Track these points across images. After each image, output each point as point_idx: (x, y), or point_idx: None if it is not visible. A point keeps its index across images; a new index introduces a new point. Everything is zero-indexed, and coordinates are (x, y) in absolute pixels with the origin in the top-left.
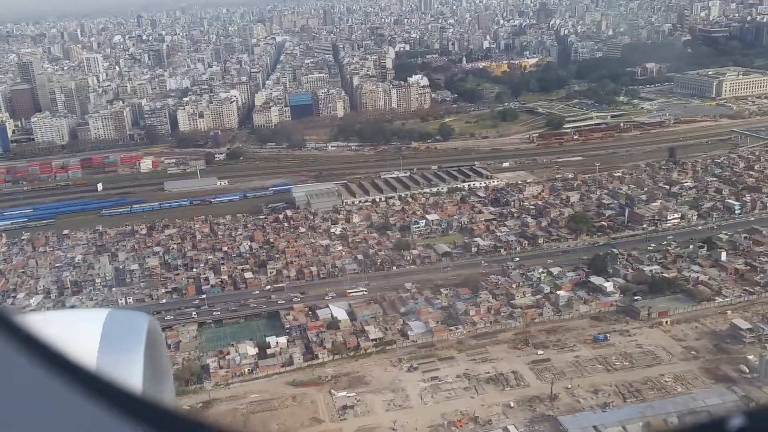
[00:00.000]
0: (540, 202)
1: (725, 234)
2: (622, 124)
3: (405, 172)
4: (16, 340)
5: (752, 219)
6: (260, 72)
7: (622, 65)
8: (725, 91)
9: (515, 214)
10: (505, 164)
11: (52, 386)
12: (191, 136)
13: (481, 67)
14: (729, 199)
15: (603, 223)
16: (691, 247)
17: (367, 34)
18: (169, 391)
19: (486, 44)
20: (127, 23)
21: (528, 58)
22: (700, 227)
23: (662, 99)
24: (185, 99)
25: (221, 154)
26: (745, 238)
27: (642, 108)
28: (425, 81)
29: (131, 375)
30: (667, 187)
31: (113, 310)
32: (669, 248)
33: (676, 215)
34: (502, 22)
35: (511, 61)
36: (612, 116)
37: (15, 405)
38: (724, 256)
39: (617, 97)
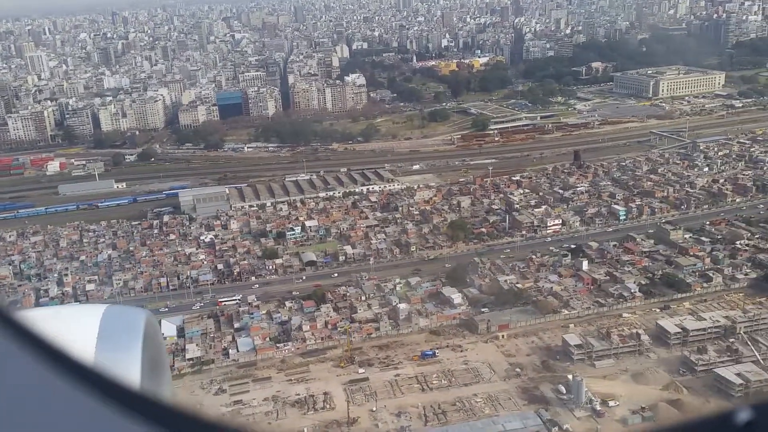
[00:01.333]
0: (428, 208)
1: (595, 242)
2: (546, 126)
3: (310, 175)
4: (14, 335)
5: (636, 225)
6: (200, 70)
7: (571, 64)
8: (662, 90)
9: (398, 220)
10: (415, 167)
11: (51, 381)
12: (111, 136)
13: (429, 66)
14: (617, 204)
15: (483, 230)
16: (556, 255)
17: (329, 32)
18: (167, 386)
19: (445, 42)
20: (103, 21)
21: (479, 57)
22: (582, 233)
23: (599, 99)
24: (108, 98)
25: (132, 155)
26: (615, 246)
27: (575, 109)
28: (362, 80)
29: (129, 370)
30: (561, 192)
31: (111, 305)
32: (533, 257)
33: (556, 221)
34: (468, 20)
35: (462, 61)
36: (542, 117)
37: (14, 401)
38: (585, 265)
39: (552, 97)
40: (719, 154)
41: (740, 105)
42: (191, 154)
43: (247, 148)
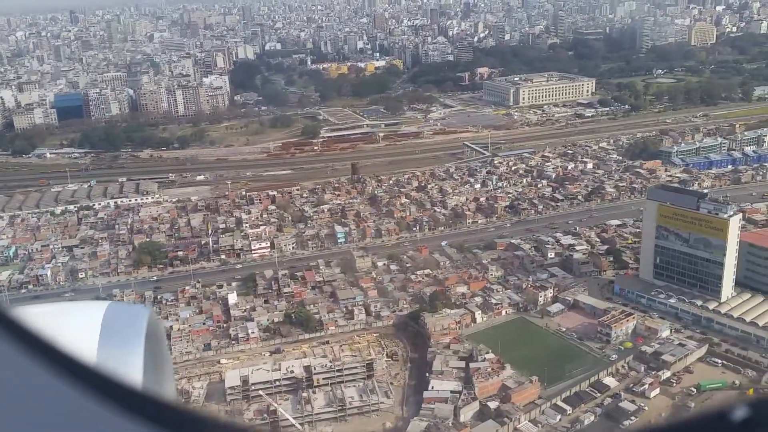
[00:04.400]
0: (146, 227)
1: (282, 269)
2: (375, 135)
3: (86, 184)
4: (11, 334)
5: (352, 246)
6: (72, 70)
7: (465, 69)
8: (523, 99)
9: (99, 241)
10: (199, 177)
11: (50, 381)
12: None
13: (320, 68)
14: (338, 225)
15: (179, 253)
16: (222, 286)
17: (248, 32)
18: (170, 384)
19: (361, 45)
20: (61, 20)
21: (376, 60)
22: (288, 257)
23: (461, 106)
24: None
25: None
26: (290, 275)
27: (428, 116)
28: (220, 82)
29: (131, 368)
30: (308, 209)
31: (113, 302)
32: (186, 288)
33: (264, 245)
34: (405, 21)
35: (355, 64)
36: (386, 125)
37: (12, 401)
38: (233, 298)
39: (419, 104)
40: (512, 169)
41: (590, 115)
42: None
43: (50, 153)
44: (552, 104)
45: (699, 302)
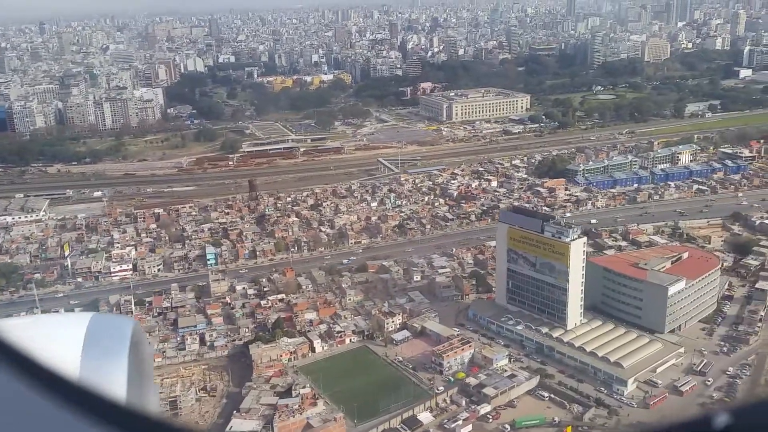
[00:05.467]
0: (14, 246)
1: (116, 296)
2: (295, 150)
3: None
4: None
5: (219, 269)
6: (6, 82)
7: (409, 84)
8: (456, 114)
9: None
10: (97, 193)
11: (29, 398)
12: None
13: (265, 82)
14: (212, 245)
15: (36, 276)
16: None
17: (203, 45)
18: (153, 395)
19: (316, 58)
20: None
21: (324, 74)
22: (149, 280)
23: (395, 121)
24: None
25: None
26: (138, 301)
27: (357, 131)
28: (151, 95)
29: (115, 380)
30: (187, 230)
31: (97, 314)
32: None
33: (125, 266)
34: (368, 35)
35: (301, 77)
36: (312, 139)
37: None
38: None
39: (354, 118)
40: (417, 186)
41: (517, 131)
42: None
43: None
44: (484, 120)
45: (545, 329)
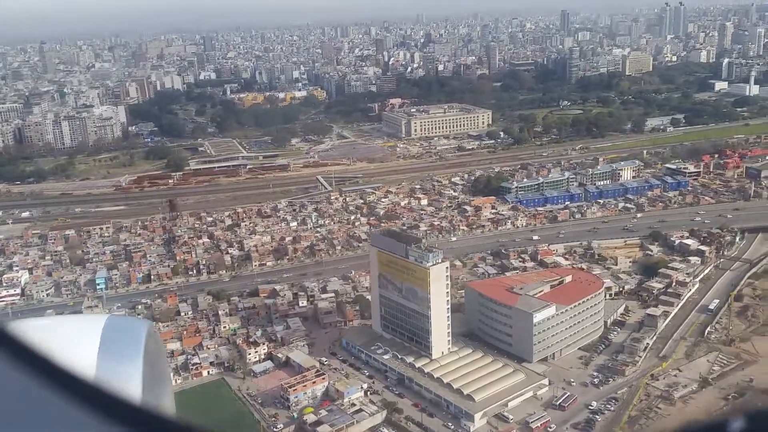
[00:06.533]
0: None
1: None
2: (241, 168)
3: None
4: (9, 351)
5: (109, 294)
6: None
7: (382, 100)
8: (415, 130)
9: None
10: (25, 214)
11: (49, 397)
12: None
13: (236, 99)
14: (102, 269)
15: None
16: None
17: (185, 62)
18: (168, 397)
19: (296, 74)
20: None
21: (299, 90)
22: (35, 305)
23: (355, 138)
24: None
25: None
26: None
27: (313, 148)
28: (111, 113)
29: (130, 381)
30: (90, 252)
31: (112, 315)
32: None
33: (13, 291)
34: (356, 51)
35: (272, 94)
36: (264, 156)
37: (11, 418)
38: None
39: (316, 135)
40: (346, 205)
41: (471, 147)
42: None
43: None
44: (443, 136)
45: (411, 359)
